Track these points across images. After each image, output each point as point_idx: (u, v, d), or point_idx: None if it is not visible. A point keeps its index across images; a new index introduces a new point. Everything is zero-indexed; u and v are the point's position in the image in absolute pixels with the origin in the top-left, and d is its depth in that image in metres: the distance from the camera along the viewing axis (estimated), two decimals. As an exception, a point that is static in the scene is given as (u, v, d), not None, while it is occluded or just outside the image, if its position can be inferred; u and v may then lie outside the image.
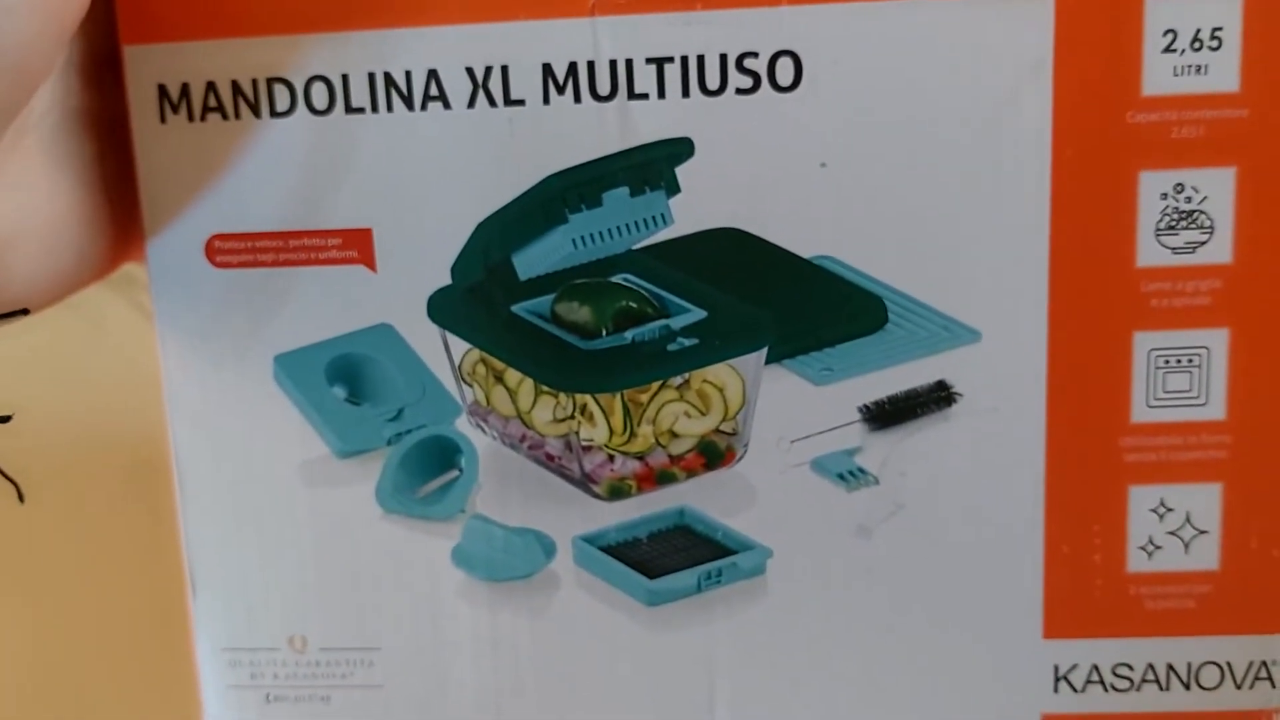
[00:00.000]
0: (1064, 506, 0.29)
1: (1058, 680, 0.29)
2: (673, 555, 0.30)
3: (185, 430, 0.30)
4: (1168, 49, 0.26)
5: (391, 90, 0.28)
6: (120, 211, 0.30)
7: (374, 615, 0.30)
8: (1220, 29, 0.26)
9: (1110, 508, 0.29)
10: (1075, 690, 0.29)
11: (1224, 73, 0.26)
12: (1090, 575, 0.29)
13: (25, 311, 0.28)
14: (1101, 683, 0.29)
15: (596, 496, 0.30)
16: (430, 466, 0.30)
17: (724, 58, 0.27)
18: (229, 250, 0.29)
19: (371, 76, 0.28)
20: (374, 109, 0.28)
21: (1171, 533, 0.29)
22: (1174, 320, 0.28)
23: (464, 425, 0.30)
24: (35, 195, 0.27)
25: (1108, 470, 0.28)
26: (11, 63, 0.24)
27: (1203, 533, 0.29)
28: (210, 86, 0.28)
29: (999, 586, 0.29)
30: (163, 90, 0.28)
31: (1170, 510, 0.28)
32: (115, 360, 0.45)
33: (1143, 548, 0.29)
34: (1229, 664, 0.29)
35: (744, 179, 0.27)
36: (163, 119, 0.28)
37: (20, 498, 0.31)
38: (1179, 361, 0.28)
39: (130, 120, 0.29)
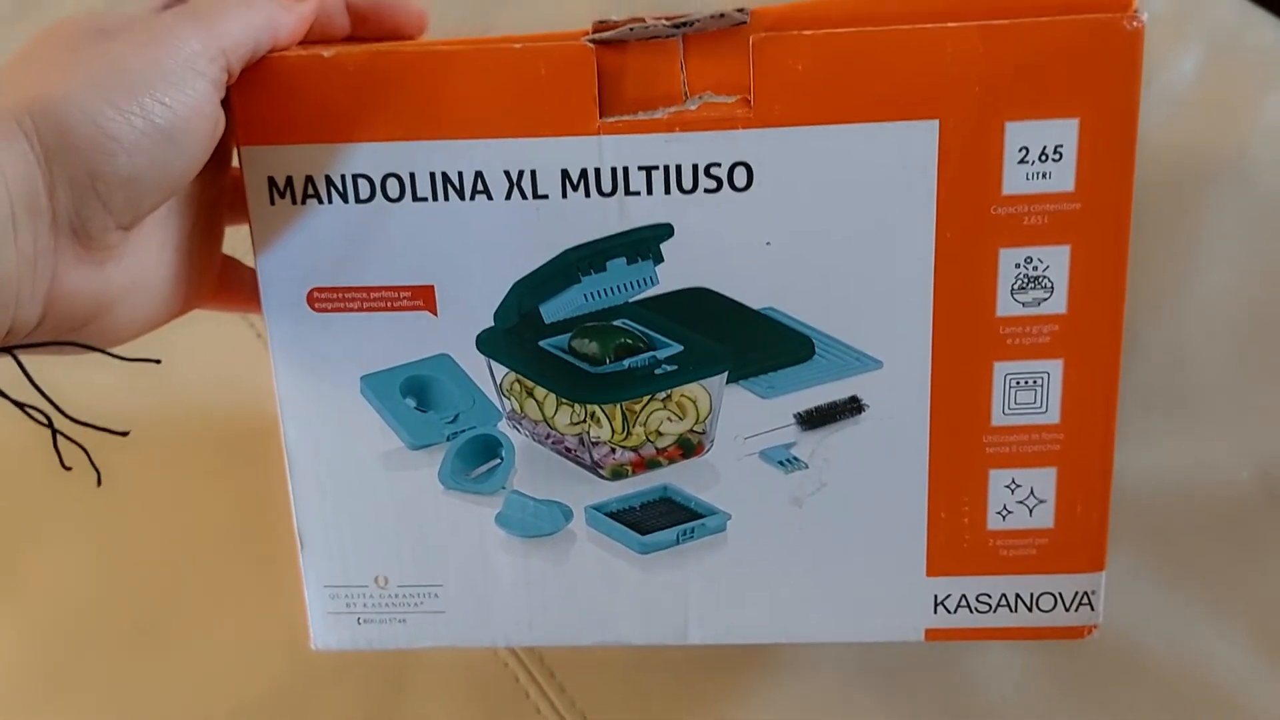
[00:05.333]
0: (942, 484, 0.38)
1: (936, 605, 0.39)
2: (658, 518, 0.39)
3: (293, 430, 0.39)
4: (1021, 161, 0.35)
5: (448, 185, 0.36)
6: (197, 271, 0.37)
7: (439, 561, 0.40)
8: (1061, 146, 0.35)
9: (975, 485, 0.38)
10: (949, 612, 0.40)
11: (1063, 178, 0.35)
12: (960, 532, 0.39)
13: (158, 361, 0.37)
14: (968, 607, 0.40)
15: (602, 477, 0.39)
16: (479, 456, 0.39)
17: (695, 167, 0.35)
18: (324, 299, 0.38)
19: (433, 175, 0.36)
20: (434, 199, 0.36)
21: (1020, 502, 0.38)
22: (1023, 354, 0.37)
23: (504, 426, 0.39)
24: (148, 259, 0.35)
25: (974, 459, 0.38)
26: (175, 181, 0.33)
27: (1042, 502, 0.38)
28: (308, 179, 0.36)
29: (894, 540, 0.39)
30: (271, 181, 0.36)
31: (1019, 486, 0.38)
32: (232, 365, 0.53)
33: (999, 512, 0.39)
34: (1060, 593, 0.39)
35: (710, 253, 0.36)
36: (271, 202, 0.37)
37: (99, 482, 0.36)
38: (1026, 382, 0.37)
39: (221, 203, 0.37)
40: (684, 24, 0.34)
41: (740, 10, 0.34)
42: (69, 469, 0.36)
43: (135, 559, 0.53)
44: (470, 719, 0.49)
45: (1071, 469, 0.38)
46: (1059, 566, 0.39)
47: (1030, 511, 0.39)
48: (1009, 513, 0.39)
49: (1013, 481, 0.38)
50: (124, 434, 0.36)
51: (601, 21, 0.35)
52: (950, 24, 0.34)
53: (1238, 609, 0.48)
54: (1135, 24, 0.34)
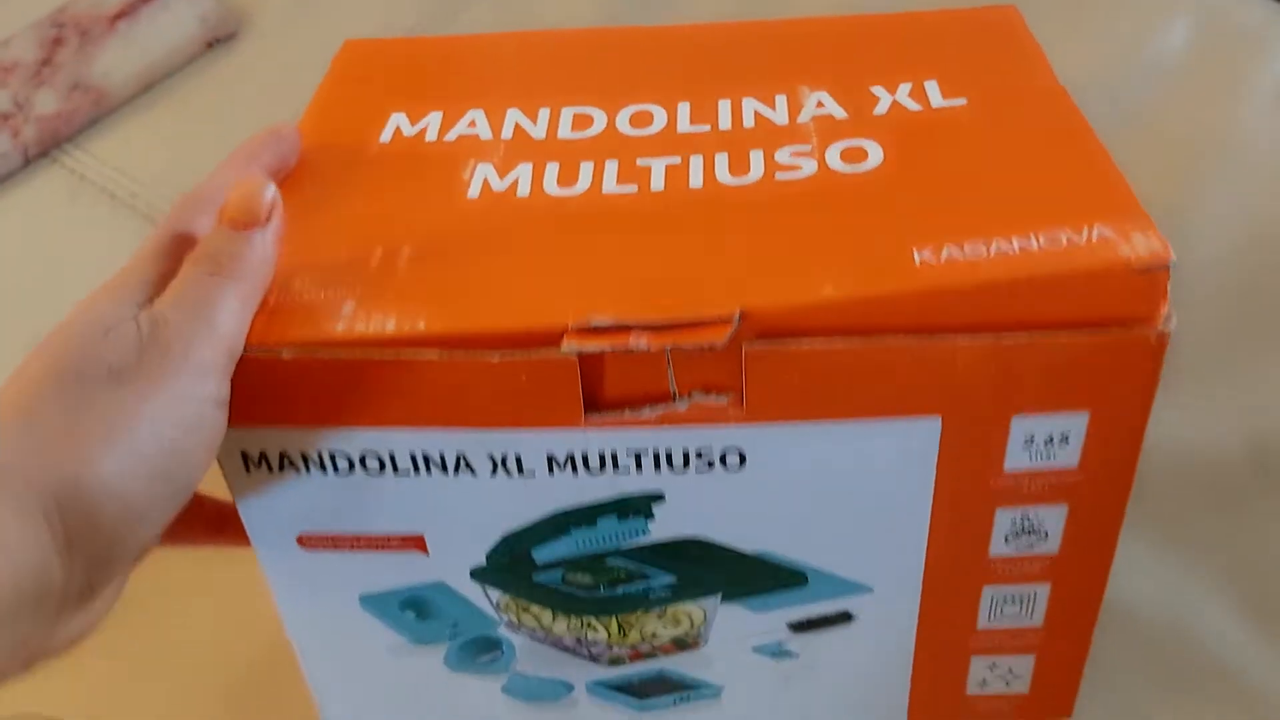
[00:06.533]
0: (925, 671, 0.40)
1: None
2: (655, 688, 0.42)
3: (300, 634, 0.40)
4: (1026, 444, 0.34)
5: (429, 463, 0.35)
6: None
7: (451, 722, 0.43)
8: (1068, 435, 0.33)
9: (957, 668, 0.40)
10: (927, 750, 0.43)
11: (1067, 459, 0.34)
12: (940, 697, 0.41)
13: None
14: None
15: (600, 665, 0.41)
16: (481, 649, 0.41)
17: (686, 452, 0.34)
18: (316, 541, 0.37)
19: (413, 454, 0.34)
20: (415, 474, 0.35)
21: (998, 677, 0.41)
22: (1012, 579, 0.37)
23: (503, 630, 0.40)
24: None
25: (958, 653, 0.40)
26: (177, 511, 0.32)
27: (1019, 678, 0.41)
28: (283, 454, 0.35)
29: (878, 705, 0.41)
30: (245, 454, 0.35)
31: (998, 666, 0.40)
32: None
33: (978, 684, 0.41)
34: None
35: (702, 513, 0.36)
36: (247, 470, 0.35)
37: None
38: (1013, 599, 0.38)
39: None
40: (669, 326, 0.32)
41: (727, 322, 0.31)
42: None
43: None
44: None
45: (1050, 656, 0.40)
46: (1031, 715, 0.42)
47: (1007, 684, 0.41)
48: (987, 684, 0.41)
49: (993, 665, 0.40)
50: None
51: (582, 320, 0.32)
52: (960, 338, 0.31)
53: (1228, 578, 0.49)
54: (1160, 334, 0.31)
